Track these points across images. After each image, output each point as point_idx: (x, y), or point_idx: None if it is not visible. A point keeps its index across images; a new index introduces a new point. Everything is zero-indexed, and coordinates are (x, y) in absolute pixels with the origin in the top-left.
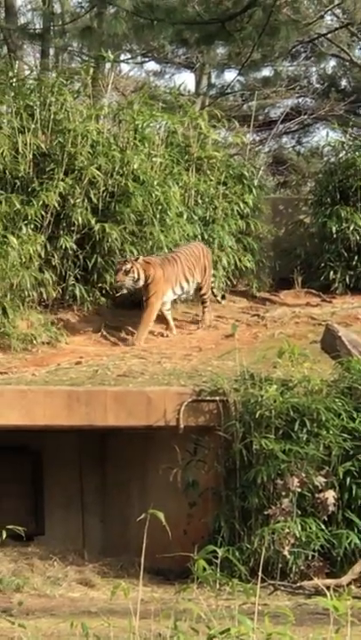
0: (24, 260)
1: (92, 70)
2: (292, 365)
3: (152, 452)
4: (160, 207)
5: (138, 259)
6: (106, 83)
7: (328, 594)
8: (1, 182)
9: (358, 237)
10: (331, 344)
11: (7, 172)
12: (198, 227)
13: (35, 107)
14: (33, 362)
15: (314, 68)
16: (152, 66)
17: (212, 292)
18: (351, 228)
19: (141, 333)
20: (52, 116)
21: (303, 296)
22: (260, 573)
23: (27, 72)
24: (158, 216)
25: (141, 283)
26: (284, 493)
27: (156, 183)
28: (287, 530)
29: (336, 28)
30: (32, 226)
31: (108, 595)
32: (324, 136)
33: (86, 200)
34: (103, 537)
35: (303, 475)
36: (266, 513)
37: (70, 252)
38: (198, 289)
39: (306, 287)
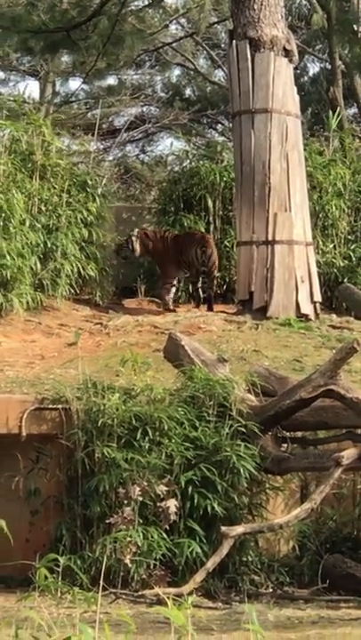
0: None
1: None
2: (135, 374)
3: None
4: (3, 215)
5: None
6: None
7: (169, 603)
8: None
9: None
10: (174, 353)
11: None
12: (41, 235)
13: None
14: None
15: (158, 77)
16: None
17: None
18: None
19: None
20: None
21: (146, 305)
22: (101, 582)
23: None
24: (1, 223)
25: None
26: (125, 502)
27: None
28: (129, 538)
29: (181, 38)
30: None
31: None
32: (168, 145)
33: None
34: None
35: (145, 483)
36: (108, 521)
37: None
38: None
39: (149, 296)
